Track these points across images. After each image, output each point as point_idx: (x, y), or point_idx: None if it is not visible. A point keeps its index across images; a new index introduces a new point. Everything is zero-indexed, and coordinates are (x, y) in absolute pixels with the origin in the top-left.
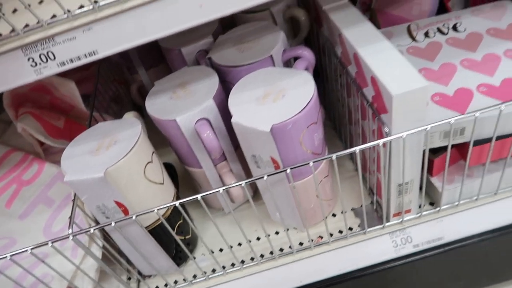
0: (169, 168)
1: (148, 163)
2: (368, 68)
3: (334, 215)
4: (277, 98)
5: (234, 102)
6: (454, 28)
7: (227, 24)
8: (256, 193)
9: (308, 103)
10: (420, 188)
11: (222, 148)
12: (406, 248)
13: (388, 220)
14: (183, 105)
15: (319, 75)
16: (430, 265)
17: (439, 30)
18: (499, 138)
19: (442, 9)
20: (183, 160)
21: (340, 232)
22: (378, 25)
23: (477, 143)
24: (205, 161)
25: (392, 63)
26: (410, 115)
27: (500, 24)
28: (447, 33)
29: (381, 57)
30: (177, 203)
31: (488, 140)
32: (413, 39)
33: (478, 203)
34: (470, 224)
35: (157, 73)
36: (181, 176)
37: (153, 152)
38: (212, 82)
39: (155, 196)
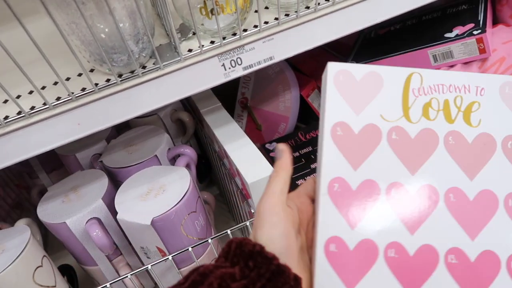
0: (69, 270)
1: (38, 267)
2: (233, 162)
3: None
4: (158, 194)
5: (120, 200)
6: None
7: (121, 126)
8: None
9: (184, 195)
10: None
11: (114, 244)
12: None
13: None
14: (74, 207)
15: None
16: None
17: (445, 107)
18: None
19: (303, 104)
20: (80, 260)
21: None
22: (255, 119)
23: None
24: (100, 258)
25: (250, 156)
26: None
27: None
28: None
29: (242, 151)
30: None
31: None
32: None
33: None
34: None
35: (60, 176)
36: (84, 277)
37: (43, 256)
38: (102, 184)
39: None
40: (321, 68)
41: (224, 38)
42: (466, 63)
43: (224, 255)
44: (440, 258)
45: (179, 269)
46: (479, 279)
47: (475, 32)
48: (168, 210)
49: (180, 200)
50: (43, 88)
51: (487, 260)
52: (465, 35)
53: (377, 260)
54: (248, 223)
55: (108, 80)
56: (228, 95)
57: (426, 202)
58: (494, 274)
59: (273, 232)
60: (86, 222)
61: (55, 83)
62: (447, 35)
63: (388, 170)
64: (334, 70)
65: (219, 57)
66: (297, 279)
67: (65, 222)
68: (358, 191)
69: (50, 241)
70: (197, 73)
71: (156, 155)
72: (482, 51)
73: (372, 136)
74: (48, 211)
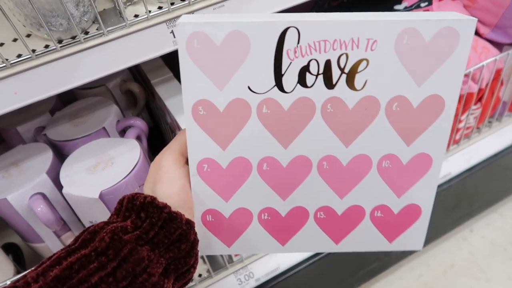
0: (14, 248)
1: None
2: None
3: None
4: (106, 166)
5: (66, 173)
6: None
7: (67, 99)
8: None
9: (134, 167)
10: None
11: (61, 220)
12: None
13: None
14: (16, 183)
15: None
16: None
17: (326, 69)
18: None
19: None
20: (25, 237)
21: None
22: None
23: None
24: (47, 235)
25: None
26: None
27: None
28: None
29: None
30: (8, 281)
31: None
32: (281, 76)
33: None
34: None
35: (2, 150)
36: (32, 255)
37: None
38: (46, 157)
39: None
40: None
41: (172, 4)
42: None
43: (116, 213)
44: (310, 215)
45: None
46: (343, 227)
47: (422, 5)
48: (118, 183)
49: (130, 172)
50: None
51: (353, 213)
52: (413, 7)
53: (251, 223)
54: None
55: (47, 46)
56: None
57: (298, 171)
58: (358, 222)
59: (172, 186)
60: (30, 198)
61: None
62: (396, 7)
63: (259, 147)
64: (185, 33)
65: (168, 24)
66: (189, 223)
67: (5, 199)
68: (229, 169)
69: None
70: (144, 40)
71: (104, 127)
72: None
73: (240, 112)
74: None
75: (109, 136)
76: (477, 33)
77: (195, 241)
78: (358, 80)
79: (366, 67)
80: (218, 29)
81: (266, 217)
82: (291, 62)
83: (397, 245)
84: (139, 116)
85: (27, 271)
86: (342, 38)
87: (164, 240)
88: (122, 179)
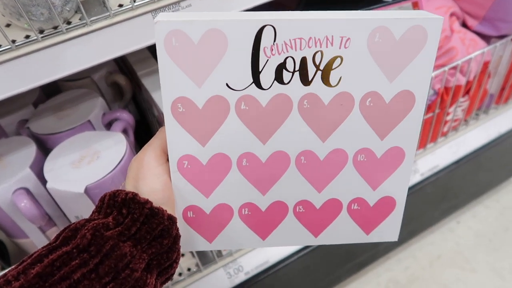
0: None
1: None
2: None
3: None
4: (91, 160)
5: (50, 167)
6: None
7: (51, 91)
8: None
9: (120, 161)
10: None
11: (46, 215)
12: None
13: None
14: None
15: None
16: None
17: (302, 67)
18: None
19: None
20: (9, 233)
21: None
22: None
23: None
24: (32, 230)
25: None
26: None
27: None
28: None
29: None
30: None
31: None
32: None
33: None
34: None
35: None
36: (16, 250)
37: None
38: (29, 151)
39: None
40: None
41: None
42: None
43: (97, 210)
44: (289, 209)
45: None
46: (322, 220)
47: None
48: (103, 177)
49: (116, 166)
50: None
51: (330, 206)
52: None
53: (232, 218)
54: None
55: (27, 37)
56: None
57: (277, 167)
58: (335, 215)
59: (155, 182)
60: (13, 193)
61: None
62: None
63: (238, 143)
64: (163, 31)
65: (153, 14)
66: (171, 218)
67: None
68: (209, 165)
69: None
70: (129, 31)
71: (89, 120)
72: None
73: (219, 109)
74: None
75: (94, 129)
76: (465, 25)
77: (177, 236)
78: (333, 77)
79: (340, 64)
80: (196, 27)
81: (246, 212)
82: (268, 60)
83: (373, 237)
84: (125, 108)
85: (7, 269)
86: (317, 36)
87: (146, 235)
88: (108, 173)
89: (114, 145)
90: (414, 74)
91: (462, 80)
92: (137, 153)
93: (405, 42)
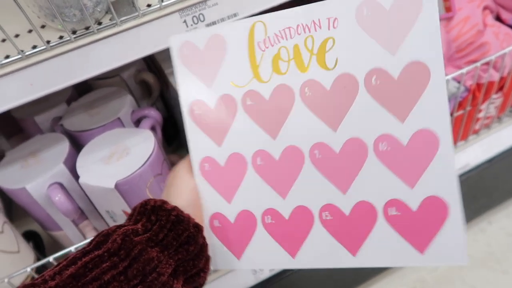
0: (34, 236)
1: None
2: None
3: None
4: (121, 157)
5: (82, 164)
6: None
7: (83, 89)
8: None
9: (148, 158)
10: None
11: (78, 208)
12: None
13: None
14: (34, 172)
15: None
16: None
17: (296, 54)
18: None
19: None
20: (44, 225)
21: None
22: None
23: None
24: (65, 223)
25: None
26: None
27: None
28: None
29: None
30: (28, 268)
31: None
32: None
33: None
34: None
35: (20, 141)
36: (51, 242)
37: (4, 223)
38: (63, 147)
39: (11, 265)
40: None
41: None
42: None
43: (128, 217)
44: (315, 217)
45: None
46: (356, 231)
47: None
48: (133, 173)
49: (145, 163)
50: None
51: (362, 211)
52: None
53: (256, 228)
54: None
55: (61, 37)
56: None
57: (292, 164)
58: (371, 224)
59: (183, 186)
60: (48, 187)
61: (3, 41)
62: None
63: (249, 140)
64: (177, 43)
65: (180, 13)
66: (197, 226)
67: (24, 188)
68: (227, 166)
69: (16, 207)
70: (157, 30)
71: (119, 118)
72: (448, 9)
73: (228, 107)
74: (7, 176)
75: (124, 126)
76: (499, 19)
77: (204, 245)
78: (329, 59)
79: (333, 45)
80: (200, 36)
81: (270, 221)
82: (263, 53)
83: (431, 257)
84: (153, 106)
85: (45, 271)
86: (304, 22)
87: (172, 242)
88: (137, 170)
89: (142, 142)
90: (419, 42)
91: (496, 76)
92: (165, 149)
93: (398, 10)
